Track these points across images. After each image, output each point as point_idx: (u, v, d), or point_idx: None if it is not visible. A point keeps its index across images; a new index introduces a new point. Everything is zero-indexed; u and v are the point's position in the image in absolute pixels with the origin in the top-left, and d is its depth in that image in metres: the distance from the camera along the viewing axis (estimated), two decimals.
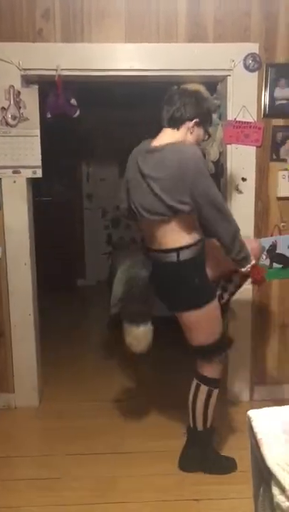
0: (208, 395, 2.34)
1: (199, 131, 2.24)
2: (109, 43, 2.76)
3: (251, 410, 1.07)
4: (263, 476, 0.98)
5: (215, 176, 3.09)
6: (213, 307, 2.27)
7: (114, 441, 2.68)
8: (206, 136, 2.33)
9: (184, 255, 2.17)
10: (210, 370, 2.33)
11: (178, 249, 2.17)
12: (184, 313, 2.26)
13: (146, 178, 2.15)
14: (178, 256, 2.17)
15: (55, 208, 5.73)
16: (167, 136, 2.20)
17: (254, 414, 1.05)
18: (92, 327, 4.75)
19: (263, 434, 0.99)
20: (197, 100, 2.20)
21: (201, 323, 2.25)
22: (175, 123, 2.19)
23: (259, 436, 0.99)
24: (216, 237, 2.19)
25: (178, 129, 2.19)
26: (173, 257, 2.18)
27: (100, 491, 2.26)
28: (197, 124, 2.20)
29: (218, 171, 3.06)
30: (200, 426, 2.38)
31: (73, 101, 2.89)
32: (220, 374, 2.38)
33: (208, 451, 2.43)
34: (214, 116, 2.96)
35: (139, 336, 2.39)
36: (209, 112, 2.28)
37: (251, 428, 1.03)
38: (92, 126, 5.65)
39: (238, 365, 3.08)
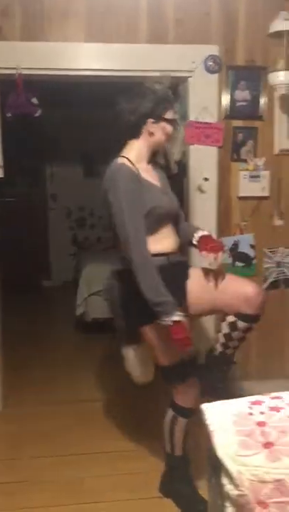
0: (172, 422, 2.14)
1: (161, 127, 2.04)
2: (70, 42, 2.74)
3: (205, 403, 1.10)
4: (215, 465, 1.01)
5: (177, 175, 3.13)
6: (156, 328, 1.97)
7: (79, 442, 2.67)
8: (172, 128, 2.09)
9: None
10: (177, 396, 2.11)
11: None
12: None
13: None
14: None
15: (19, 208, 5.66)
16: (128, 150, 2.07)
17: (207, 407, 1.08)
18: (58, 328, 4.72)
19: (215, 425, 1.02)
20: (142, 97, 2.02)
21: (152, 342, 2.03)
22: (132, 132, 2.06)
23: (211, 427, 1.02)
24: None
25: (137, 137, 2.07)
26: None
27: (68, 493, 2.25)
28: (154, 122, 2.03)
29: (181, 170, 3.09)
30: (168, 449, 2.22)
31: (34, 100, 2.85)
32: (190, 403, 2.08)
33: (181, 483, 2.19)
34: (176, 116, 3.00)
35: (130, 359, 2.18)
36: (160, 102, 2.02)
37: (204, 421, 1.06)
38: (55, 126, 5.61)
39: None
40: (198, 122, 2.87)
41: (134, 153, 2.04)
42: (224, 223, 3.04)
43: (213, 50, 2.84)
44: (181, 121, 2.97)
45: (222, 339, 2.08)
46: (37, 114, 2.89)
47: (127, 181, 1.95)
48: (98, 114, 5.12)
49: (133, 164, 2.00)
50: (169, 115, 2.06)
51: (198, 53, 2.82)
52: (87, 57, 2.75)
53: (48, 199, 6.20)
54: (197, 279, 2.07)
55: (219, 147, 2.93)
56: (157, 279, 1.91)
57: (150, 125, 2.03)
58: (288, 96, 2.83)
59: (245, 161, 2.97)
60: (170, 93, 2.07)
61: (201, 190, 2.97)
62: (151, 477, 2.34)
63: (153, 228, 2.01)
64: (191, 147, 2.94)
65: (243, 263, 3.09)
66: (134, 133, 2.06)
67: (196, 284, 2.06)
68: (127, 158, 2.01)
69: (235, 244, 3.07)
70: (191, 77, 2.85)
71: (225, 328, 2.06)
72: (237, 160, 2.97)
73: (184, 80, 2.91)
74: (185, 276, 2.10)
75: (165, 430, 2.18)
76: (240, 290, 1.99)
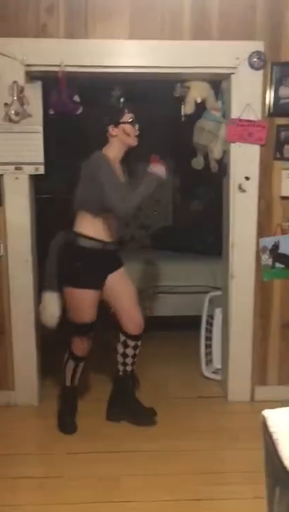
0: (66, 362, 2.77)
1: (121, 129, 2.59)
2: (114, 39, 2.74)
3: (266, 410, 1.05)
4: (280, 476, 0.96)
5: (218, 174, 3.09)
6: (74, 294, 2.61)
7: (116, 439, 2.66)
8: (134, 126, 2.60)
9: (82, 242, 2.59)
10: (74, 346, 2.74)
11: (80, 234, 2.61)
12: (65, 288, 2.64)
13: None
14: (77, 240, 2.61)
15: (55, 205, 5.69)
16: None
17: (269, 414, 1.03)
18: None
19: (280, 434, 0.97)
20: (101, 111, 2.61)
21: (71, 301, 2.63)
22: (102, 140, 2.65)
23: (275, 436, 0.97)
24: None
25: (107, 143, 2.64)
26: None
27: (102, 490, 2.24)
28: (114, 127, 2.58)
29: (222, 169, 3.04)
30: (62, 380, 2.85)
31: (76, 98, 2.86)
32: (81, 354, 2.75)
33: (62, 408, 2.85)
34: (217, 114, 2.96)
35: (45, 302, 2.69)
36: (114, 112, 2.60)
37: (266, 428, 1.01)
38: (92, 124, 5.60)
39: (238, 366, 3.07)
40: (241, 120, 2.82)
41: (109, 156, 2.60)
42: (265, 223, 2.97)
43: (258, 46, 2.78)
44: (224, 119, 2.93)
45: (120, 359, 2.80)
46: (78, 112, 2.90)
47: (110, 165, 2.56)
48: (137, 112, 5.12)
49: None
50: (124, 118, 2.59)
51: (242, 49, 2.77)
52: (130, 55, 2.74)
53: None
54: (117, 278, 2.74)
55: (262, 145, 2.87)
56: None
57: (112, 130, 2.59)
58: None
59: (288, 159, 2.89)
60: (121, 100, 2.61)
61: (241, 189, 2.92)
62: (188, 479, 2.32)
63: (103, 210, 2.53)
64: (232, 145, 2.89)
65: (284, 265, 3.02)
66: (103, 140, 2.63)
67: (114, 281, 2.72)
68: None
69: (276, 245, 3.00)
70: (234, 73, 2.80)
71: (120, 348, 2.78)
72: (280, 158, 2.90)
73: (226, 77, 2.87)
74: (112, 267, 2.74)
75: (62, 368, 2.81)
76: (132, 311, 2.75)
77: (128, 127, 2.59)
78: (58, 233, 2.70)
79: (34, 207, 3.03)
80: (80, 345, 2.73)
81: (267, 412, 1.03)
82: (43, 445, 2.67)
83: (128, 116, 2.60)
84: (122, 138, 2.60)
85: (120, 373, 2.85)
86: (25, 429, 2.80)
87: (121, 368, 2.84)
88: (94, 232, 2.60)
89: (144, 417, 2.80)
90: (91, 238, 2.60)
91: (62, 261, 2.63)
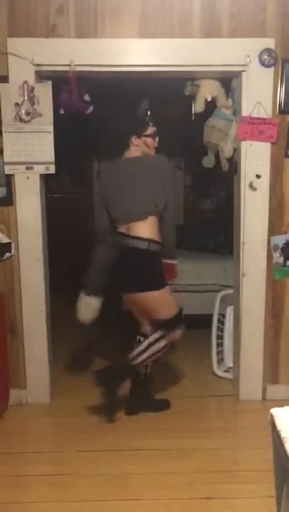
0: (156, 341, 2.75)
1: (143, 141, 2.73)
2: (123, 38, 2.74)
3: (274, 408, 1.05)
4: (287, 474, 0.95)
5: (228, 173, 3.07)
6: (164, 293, 2.72)
7: (126, 438, 2.67)
8: (154, 139, 2.76)
9: (153, 247, 2.67)
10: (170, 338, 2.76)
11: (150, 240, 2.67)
12: (145, 293, 2.68)
13: None
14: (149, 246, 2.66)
15: (66, 204, 5.72)
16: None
17: (277, 412, 1.02)
18: (104, 324, 4.73)
19: (288, 432, 0.96)
20: (126, 119, 2.75)
21: (161, 301, 2.70)
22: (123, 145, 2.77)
23: (283, 434, 0.97)
24: None
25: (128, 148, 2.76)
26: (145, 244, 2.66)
27: (112, 488, 2.25)
28: (137, 137, 2.71)
29: (232, 168, 3.03)
30: (132, 358, 2.79)
31: (86, 97, 2.87)
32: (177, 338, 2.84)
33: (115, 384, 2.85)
34: (227, 112, 2.95)
35: (88, 304, 2.87)
36: (139, 123, 2.72)
37: (274, 426, 1.00)
38: (102, 123, 5.61)
39: (250, 364, 3.06)
40: (251, 118, 2.80)
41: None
42: (276, 221, 2.95)
43: (269, 43, 2.76)
44: (234, 117, 2.91)
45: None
46: (88, 112, 2.91)
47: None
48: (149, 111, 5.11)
49: None
50: (148, 131, 2.73)
51: (252, 47, 2.75)
52: (140, 53, 2.74)
53: (94, 196, 6.23)
54: None
55: (273, 143, 2.85)
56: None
57: (134, 140, 2.72)
58: None
59: None
60: (148, 113, 2.75)
61: (252, 187, 2.90)
62: (199, 477, 2.32)
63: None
64: (243, 143, 2.88)
65: None
66: (125, 145, 2.75)
67: None
68: None
69: (287, 244, 2.98)
70: (245, 71, 2.78)
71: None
72: None
73: (237, 75, 2.85)
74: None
75: (143, 345, 2.76)
76: None
77: (149, 140, 2.73)
78: (103, 242, 2.84)
79: (45, 206, 3.04)
80: (178, 333, 2.80)
81: (275, 411, 1.03)
82: (53, 443, 2.68)
83: (151, 130, 2.74)
84: (142, 148, 2.73)
85: (141, 377, 2.92)
86: (37, 427, 2.82)
87: (142, 371, 2.91)
88: (156, 235, 2.69)
89: (162, 403, 2.97)
90: (157, 242, 2.68)
91: (137, 268, 2.66)
